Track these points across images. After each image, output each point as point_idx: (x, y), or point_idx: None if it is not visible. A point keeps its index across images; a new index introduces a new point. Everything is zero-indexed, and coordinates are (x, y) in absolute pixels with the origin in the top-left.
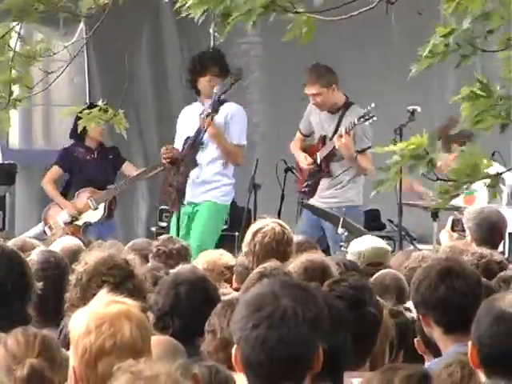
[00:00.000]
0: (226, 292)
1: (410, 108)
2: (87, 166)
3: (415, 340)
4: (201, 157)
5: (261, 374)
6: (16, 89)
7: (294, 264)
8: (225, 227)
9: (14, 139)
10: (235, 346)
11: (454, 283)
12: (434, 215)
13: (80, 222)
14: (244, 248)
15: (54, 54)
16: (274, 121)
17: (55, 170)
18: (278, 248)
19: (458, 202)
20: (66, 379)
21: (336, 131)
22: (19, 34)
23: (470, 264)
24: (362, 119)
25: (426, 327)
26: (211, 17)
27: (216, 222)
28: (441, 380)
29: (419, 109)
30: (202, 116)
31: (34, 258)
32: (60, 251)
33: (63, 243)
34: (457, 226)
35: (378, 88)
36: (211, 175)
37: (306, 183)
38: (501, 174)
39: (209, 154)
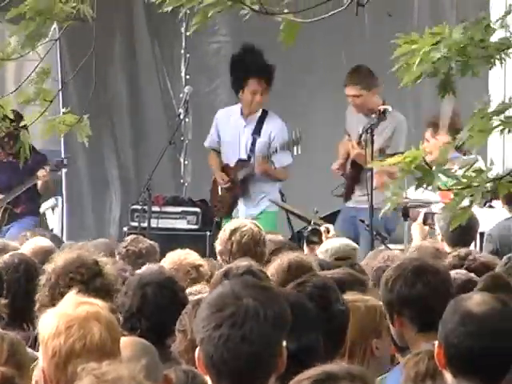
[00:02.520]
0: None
1: (381, 108)
2: (2, 167)
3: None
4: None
5: (225, 374)
6: None
7: (277, 263)
8: (196, 227)
9: None
10: (198, 347)
11: (430, 280)
12: (405, 215)
13: None
14: (218, 246)
15: (21, 56)
16: None
17: None
18: (256, 248)
19: (433, 195)
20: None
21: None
22: None
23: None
24: (373, 125)
25: (397, 327)
26: (183, 17)
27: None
28: (408, 368)
29: (390, 108)
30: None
31: (1, 263)
32: (31, 252)
33: (34, 244)
34: (428, 219)
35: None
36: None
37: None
38: (500, 178)
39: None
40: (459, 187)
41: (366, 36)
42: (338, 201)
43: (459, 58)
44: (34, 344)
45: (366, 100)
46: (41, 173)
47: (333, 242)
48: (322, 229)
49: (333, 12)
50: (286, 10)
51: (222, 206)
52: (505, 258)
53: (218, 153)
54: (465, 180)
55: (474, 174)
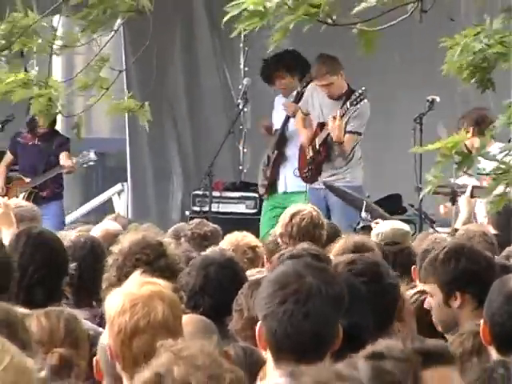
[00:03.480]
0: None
1: (430, 98)
2: (28, 151)
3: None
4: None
5: (286, 349)
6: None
7: (343, 244)
8: (253, 211)
9: (59, 128)
10: (259, 323)
11: (488, 258)
12: (452, 200)
13: None
14: (279, 229)
15: (84, 44)
16: None
17: (7, 155)
18: (314, 231)
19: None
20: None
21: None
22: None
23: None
24: (354, 102)
25: (454, 307)
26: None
27: None
28: (454, 347)
29: (438, 99)
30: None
31: (69, 242)
32: (100, 235)
33: (104, 227)
34: (475, 193)
35: (399, 79)
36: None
37: (306, 168)
38: None
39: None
40: (498, 172)
41: (419, 38)
42: (396, 182)
43: (499, 47)
44: (101, 321)
45: (337, 85)
46: (67, 163)
47: (385, 226)
48: (373, 225)
49: (399, 19)
50: (355, 20)
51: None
52: None
53: None
54: (503, 166)
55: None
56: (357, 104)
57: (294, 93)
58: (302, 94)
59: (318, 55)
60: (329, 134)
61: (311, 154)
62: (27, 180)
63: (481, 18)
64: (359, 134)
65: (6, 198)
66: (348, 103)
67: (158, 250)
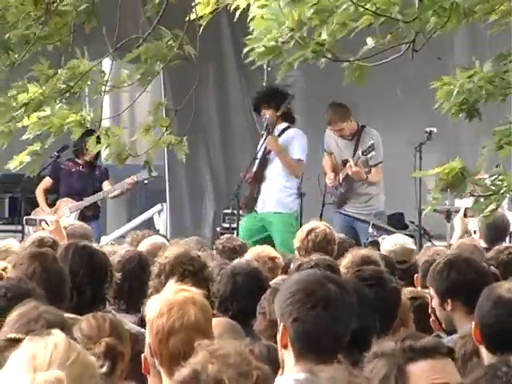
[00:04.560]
0: None
1: (428, 129)
2: (73, 176)
3: (431, 319)
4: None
5: (310, 348)
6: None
7: (350, 258)
8: None
9: (105, 154)
10: (284, 325)
11: (480, 269)
12: (448, 217)
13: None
14: (297, 243)
15: (130, 85)
16: (313, 141)
17: (46, 180)
18: (327, 246)
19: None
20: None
21: (354, 155)
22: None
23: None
24: (364, 153)
25: (449, 311)
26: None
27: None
28: (457, 348)
29: (435, 130)
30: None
31: (118, 256)
32: (147, 248)
33: (151, 241)
34: (468, 213)
35: (400, 113)
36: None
37: (333, 198)
38: None
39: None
40: (487, 193)
41: (416, 75)
42: (400, 202)
43: (489, 86)
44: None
45: (347, 129)
46: (122, 186)
47: (395, 244)
48: (380, 240)
49: (393, 57)
50: (351, 58)
51: None
52: None
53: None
54: (493, 187)
55: (500, 183)
56: (367, 154)
57: (281, 127)
58: (288, 128)
59: (330, 104)
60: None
61: (337, 185)
62: (74, 201)
63: (470, 59)
64: (381, 162)
65: (56, 215)
66: (360, 152)
67: (201, 261)
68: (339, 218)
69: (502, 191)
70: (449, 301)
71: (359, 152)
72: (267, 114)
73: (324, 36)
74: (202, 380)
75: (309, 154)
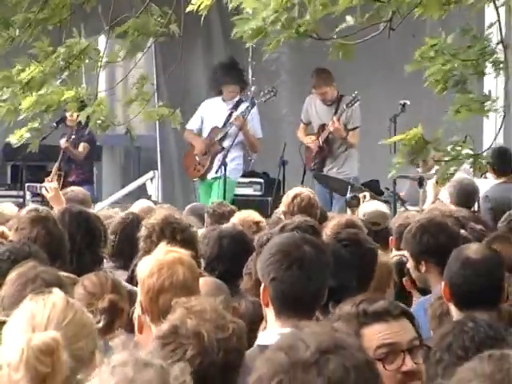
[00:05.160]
0: None
1: (402, 102)
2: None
3: (404, 279)
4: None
5: (289, 305)
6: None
7: (335, 222)
8: (260, 193)
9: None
10: (264, 284)
11: (451, 232)
12: (420, 184)
13: None
14: (283, 207)
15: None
16: (297, 112)
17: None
18: (311, 210)
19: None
20: (130, 306)
21: None
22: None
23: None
24: (349, 104)
25: (424, 272)
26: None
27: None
28: (433, 308)
29: (409, 102)
30: (238, 114)
31: (110, 217)
32: (137, 211)
33: (139, 205)
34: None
35: (377, 85)
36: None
37: (313, 162)
38: (478, 154)
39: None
40: (448, 159)
41: (392, 52)
42: (376, 170)
43: (462, 66)
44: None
45: (329, 93)
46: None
47: (369, 208)
48: (361, 195)
49: (371, 35)
50: (335, 36)
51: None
52: (506, 214)
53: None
54: (453, 153)
55: (459, 149)
56: (352, 106)
57: (235, 100)
58: (241, 101)
59: (315, 69)
60: (330, 133)
61: (317, 150)
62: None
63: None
64: (359, 126)
65: (55, 182)
66: (344, 105)
67: (184, 223)
68: (317, 187)
69: (460, 157)
70: (423, 262)
71: (343, 105)
72: (235, 90)
73: (307, 17)
74: (182, 334)
75: (296, 125)
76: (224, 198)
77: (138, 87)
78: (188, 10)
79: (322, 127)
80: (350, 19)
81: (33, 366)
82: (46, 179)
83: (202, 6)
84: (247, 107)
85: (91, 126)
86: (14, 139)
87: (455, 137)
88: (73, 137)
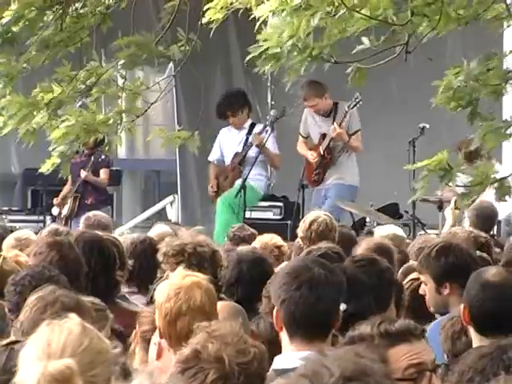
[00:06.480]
0: None
1: (421, 125)
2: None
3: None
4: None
5: (302, 327)
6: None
7: (365, 245)
8: (279, 217)
9: (121, 151)
10: (276, 308)
11: (472, 254)
12: (440, 207)
13: None
14: (301, 233)
15: (147, 88)
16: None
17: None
18: (329, 235)
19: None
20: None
21: None
22: (125, 74)
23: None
24: (350, 105)
25: (445, 294)
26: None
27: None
28: (446, 328)
29: (428, 126)
30: (256, 133)
31: (128, 243)
32: (155, 236)
33: (158, 230)
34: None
35: (396, 109)
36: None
37: (314, 173)
38: (503, 178)
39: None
40: (472, 184)
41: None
42: (389, 196)
43: (475, 84)
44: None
45: (321, 105)
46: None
47: (384, 232)
48: (375, 230)
49: (388, 59)
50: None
51: None
52: None
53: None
54: (478, 178)
55: (482, 174)
56: (354, 107)
57: (247, 125)
58: (254, 124)
59: (305, 81)
60: (331, 140)
61: (318, 159)
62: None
63: (465, 56)
64: (359, 129)
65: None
66: (346, 107)
67: (211, 247)
68: (314, 195)
69: (485, 182)
70: (447, 284)
71: (345, 107)
72: (240, 119)
73: (324, 42)
74: (203, 359)
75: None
76: (244, 202)
77: (132, 99)
78: (204, 21)
79: (323, 136)
80: (366, 41)
81: None
82: (54, 199)
83: (213, 19)
84: (265, 129)
85: (104, 149)
86: (45, 168)
87: (478, 162)
88: (89, 165)
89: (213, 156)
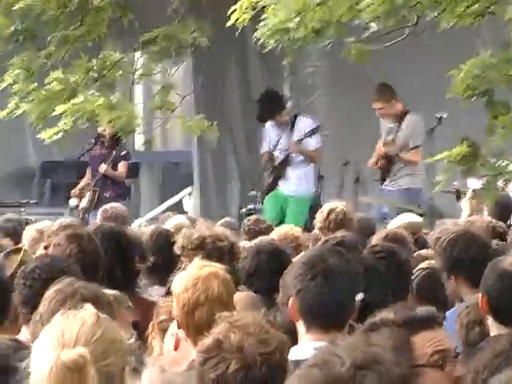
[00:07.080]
0: None
1: (438, 115)
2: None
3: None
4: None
5: (318, 317)
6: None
7: (378, 235)
8: None
9: (139, 144)
10: (292, 298)
11: (482, 244)
12: (458, 197)
13: None
14: (318, 224)
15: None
16: (334, 126)
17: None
18: (347, 224)
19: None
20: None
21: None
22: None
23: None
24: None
25: (455, 285)
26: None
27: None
28: (461, 317)
29: (445, 115)
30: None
31: (147, 235)
32: (172, 227)
33: (174, 221)
34: (476, 195)
35: (414, 98)
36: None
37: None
38: None
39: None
40: (494, 174)
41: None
42: None
43: (494, 74)
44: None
45: (387, 110)
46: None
47: (401, 220)
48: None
49: (396, 40)
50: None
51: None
52: None
53: None
54: (498, 170)
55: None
56: (310, 135)
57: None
58: (293, 123)
59: (378, 84)
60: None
61: (378, 165)
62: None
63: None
64: (419, 145)
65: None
66: (404, 125)
67: (229, 239)
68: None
69: (504, 173)
70: (452, 277)
71: (402, 123)
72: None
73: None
74: (225, 348)
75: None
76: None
77: (165, 94)
78: (228, 24)
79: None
80: (374, 26)
81: (61, 382)
82: (71, 192)
83: (239, 20)
84: (306, 133)
85: (115, 130)
86: (45, 136)
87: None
88: (110, 159)
89: (264, 149)
